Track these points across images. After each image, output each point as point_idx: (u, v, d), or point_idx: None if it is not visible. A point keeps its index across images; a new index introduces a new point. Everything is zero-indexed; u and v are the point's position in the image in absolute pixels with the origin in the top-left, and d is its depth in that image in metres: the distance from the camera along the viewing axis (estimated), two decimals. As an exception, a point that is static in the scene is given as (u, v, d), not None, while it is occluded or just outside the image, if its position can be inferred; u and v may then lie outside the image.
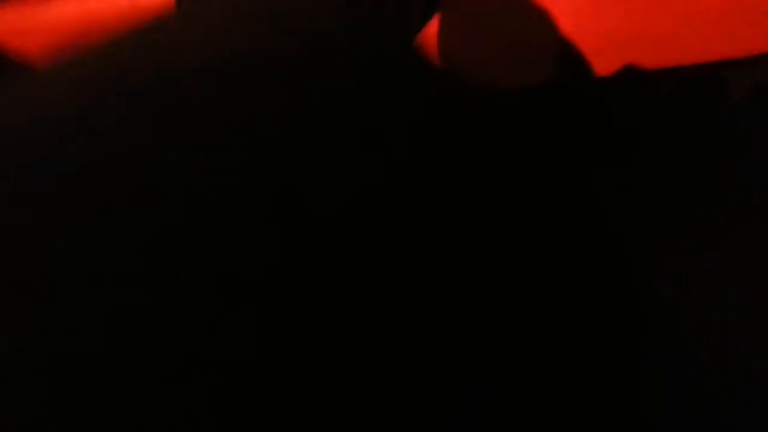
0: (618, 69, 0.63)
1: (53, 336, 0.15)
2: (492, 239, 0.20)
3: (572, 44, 0.68)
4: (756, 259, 0.31)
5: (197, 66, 0.19)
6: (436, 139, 0.24)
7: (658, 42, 0.65)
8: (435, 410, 0.12)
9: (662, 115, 0.58)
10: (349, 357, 0.13)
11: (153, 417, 0.13)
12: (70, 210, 0.16)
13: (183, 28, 0.25)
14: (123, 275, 0.15)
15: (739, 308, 0.29)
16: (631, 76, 0.61)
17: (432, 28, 0.73)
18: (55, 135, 0.17)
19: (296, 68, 0.21)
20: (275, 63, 0.20)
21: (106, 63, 0.21)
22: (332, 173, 0.18)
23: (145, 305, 0.14)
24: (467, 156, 0.24)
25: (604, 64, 0.66)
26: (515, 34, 0.74)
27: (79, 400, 0.14)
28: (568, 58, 0.68)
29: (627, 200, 0.41)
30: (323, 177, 0.18)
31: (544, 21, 0.71)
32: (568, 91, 0.65)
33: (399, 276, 0.15)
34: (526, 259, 0.20)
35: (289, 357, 0.13)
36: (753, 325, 0.28)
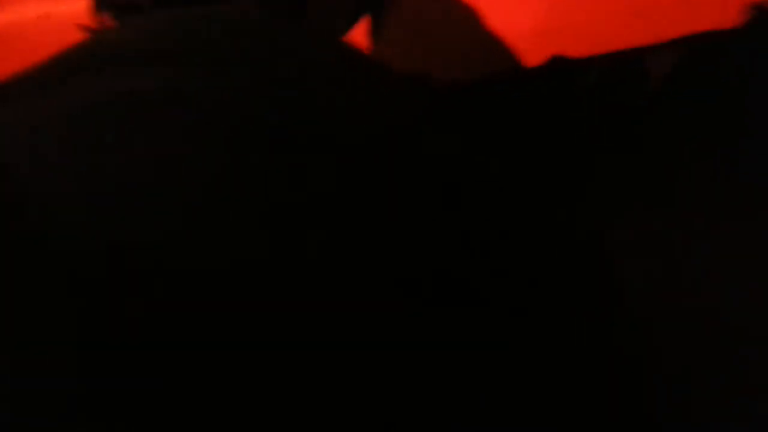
0: (544, 60, 0.64)
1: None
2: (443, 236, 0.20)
3: (499, 39, 0.70)
4: (664, 247, 0.32)
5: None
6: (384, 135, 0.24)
7: (580, 32, 0.67)
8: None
9: (588, 101, 0.60)
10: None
11: None
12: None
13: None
14: None
15: (692, 305, 0.29)
16: (556, 66, 0.63)
17: (364, 29, 0.73)
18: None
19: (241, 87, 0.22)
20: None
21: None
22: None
23: None
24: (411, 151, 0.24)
25: (530, 57, 0.67)
26: (447, 33, 0.75)
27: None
28: (497, 53, 0.69)
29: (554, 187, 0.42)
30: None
31: (473, 19, 0.72)
32: (499, 85, 0.67)
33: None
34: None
35: None
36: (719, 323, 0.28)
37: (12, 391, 0.12)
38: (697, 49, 0.57)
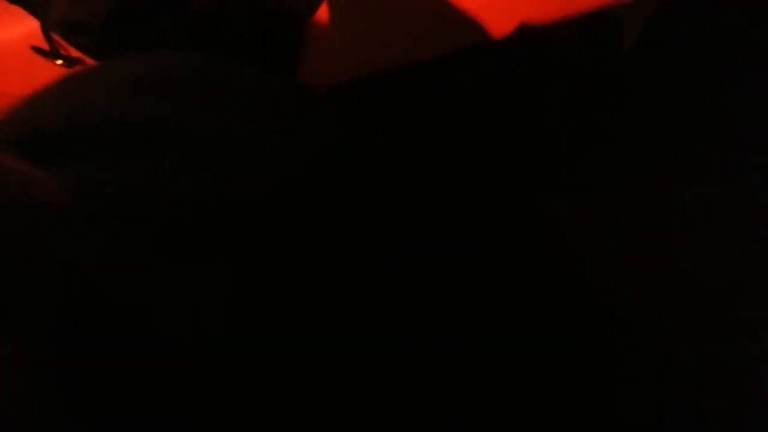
0: (512, 29, 0.62)
1: None
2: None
3: (464, 12, 0.68)
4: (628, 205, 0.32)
5: None
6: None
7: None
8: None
9: (561, 64, 0.58)
10: None
11: None
12: None
13: None
14: None
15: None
16: (525, 33, 0.61)
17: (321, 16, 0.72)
18: None
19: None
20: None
21: None
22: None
23: None
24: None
25: (498, 27, 0.65)
26: (409, 11, 0.73)
27: None
28: (463, 27, 0.67)
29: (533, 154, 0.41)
30: None
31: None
32: (469, 59, 0.65)
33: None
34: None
35: None
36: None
37: None
38: (668, 4, 0.56)
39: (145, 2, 0.68)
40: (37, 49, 0.70)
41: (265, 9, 0.71)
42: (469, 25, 0.68)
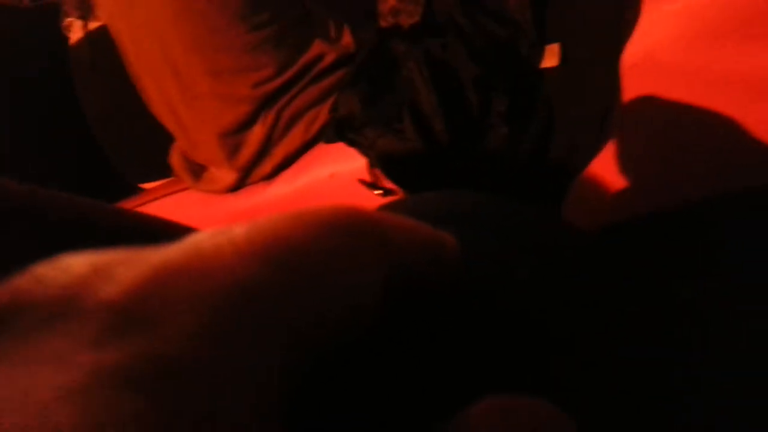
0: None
1: None
2: None
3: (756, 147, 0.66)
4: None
5: None
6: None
7: None
8: None
9: None
10: None
11: None
12: None
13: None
14: None
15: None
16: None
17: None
18: None
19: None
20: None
21: None
22: None
23: None
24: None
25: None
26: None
27: None
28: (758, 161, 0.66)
29: None
30: None
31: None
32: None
33: None
34: None
35: None
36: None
37: None
38: None
39: (450, 143, 0.81)
40: (363, 182, 0.88)
41: (548, 155, 0.79)
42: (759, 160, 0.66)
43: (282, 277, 0.13)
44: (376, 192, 0.87)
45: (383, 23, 0.85)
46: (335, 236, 0.15)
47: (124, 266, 0.12)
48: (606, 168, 0.76)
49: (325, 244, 0.15)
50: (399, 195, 0.83)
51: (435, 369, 0.19)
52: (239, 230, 0.14)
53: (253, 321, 0.12)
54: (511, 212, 0.38)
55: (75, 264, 0.12)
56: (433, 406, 0.16)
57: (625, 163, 0.75)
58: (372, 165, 0.87)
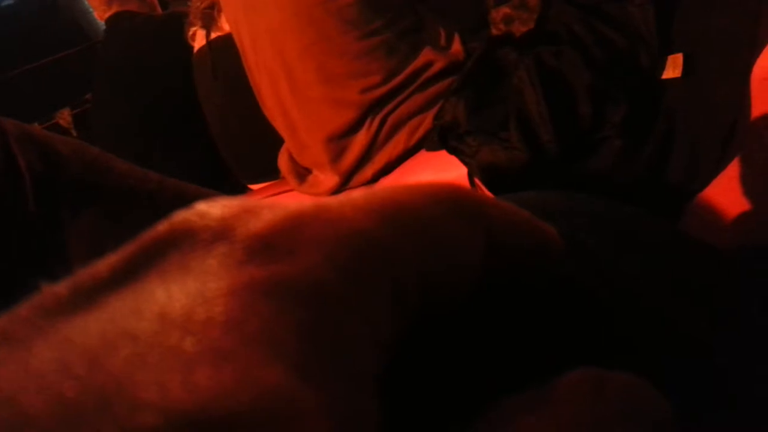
0: None
1: None
2: None
3: None
4: None
5: None
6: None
7: None
8: None
9: None
10: None
11: None
12: None
13: None
14: None
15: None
16: None
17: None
18: None
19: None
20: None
21: None
22: None
23: None
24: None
25: None
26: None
27: None
28: None
29: None
30: None
31: None
32: None
33: None
34: None
35: None
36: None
37: None
38: None
39: (558, 154, 0.78)
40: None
41: (666, 172, 0.74)
42: None
43: (392, 232, 0.15)
44: (477, 201, 0.86)
45: (495, 31, 0.83)
46: (442, 207, 0.17)
47: (268, 209, 0.15)
48: (727, 190, 0.71)
49: (432, 212, 0.16)
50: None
51: (518, 357, 0.20)
52: (358, 193, 0.16)
53: (369, 266, 0.14)
54: (614, 211, 0.36)
55: (230, 204, 0.15)
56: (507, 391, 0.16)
57: (749, 185, 0.69)
58: (473, 174, 0.86)
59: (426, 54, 0.93)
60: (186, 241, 0.14)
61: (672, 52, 0.72)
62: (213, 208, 0.15)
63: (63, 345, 0.12)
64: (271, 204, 0.16)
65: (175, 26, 1.39)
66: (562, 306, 0.22)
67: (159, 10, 1.67)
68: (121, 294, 0.13)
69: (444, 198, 0.17)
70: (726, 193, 0.69)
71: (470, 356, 0.19)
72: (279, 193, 1.15)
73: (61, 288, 0.13)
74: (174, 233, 0.15)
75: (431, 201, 0.16)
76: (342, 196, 0.16)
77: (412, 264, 0.15)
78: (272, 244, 0.14)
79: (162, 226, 0.15)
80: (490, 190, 0.84)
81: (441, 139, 0.88)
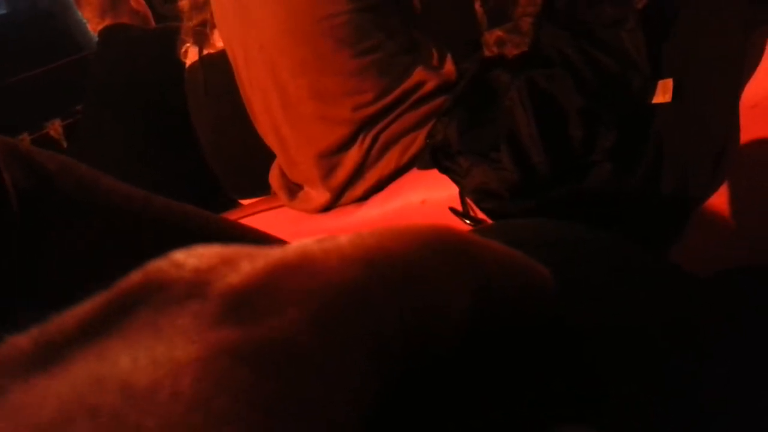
0: None
1: None
2: None
3: None
4: None
5: None
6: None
7: None
8: None
9: None
10: None
11: None
12: None
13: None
14: None
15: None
16: None
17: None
18: None
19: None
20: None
21: None
22: None
23: None
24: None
25: None
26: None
27: None
28: None
29: None
30: None
31: None
32: None
33: None
34: None
35: None
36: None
37: None
38: None
39: (548, 176, 0.78)
40: (453, 210, 0.86)
41: (658, 191, 0.74)
42: None
43: (377, 282, 0.15)
44: (467, 221, 0.85)
45: (487, 53, 0.84)
46: (430, 253, 0.16)
47: (247, 259, 0.14)
48: (717, 214, 0.71)
49: (421, 261, 0.16)
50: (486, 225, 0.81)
51: (512, 394, 0.19)
52: (344, 239, 0.15)
53: (350, 323, 0.14)
54: (600, 240, 0.37)
55: (207, 253, 0.15)
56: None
57: (739, 210, 0.70)
58: (464, 194, 0.86)
59: (419, 73, 0.93)
60: (159, 295, 0.14)
61: (662, 77, 0.72)
62: (190, 258, 0.14)
63: (16, 415, 0.11)
64: (250, 253, 0.15)
65: (169, 42, 1.39)
66: (551, 349, 0.21)
67: (152, 23, 1.67)
68: (87, 353, 0.12)
69: (435, 244, 0.17)
70: (715, 218, 0.69)
71: (459, 402, 0.18)
72: (270, 209, 1.15)
73: (25, 341, 0.13)
74: (147, 285, 0.14)
75: (421, 248, 0.16)
76: (329, 243, 0.15)
77: (396, 316, 0.15)
78: (249, 300, 0.13)
79: (136, 276, 0.14)
80: (481, 210, 0.84)
81: (432, 158, 0.88)
